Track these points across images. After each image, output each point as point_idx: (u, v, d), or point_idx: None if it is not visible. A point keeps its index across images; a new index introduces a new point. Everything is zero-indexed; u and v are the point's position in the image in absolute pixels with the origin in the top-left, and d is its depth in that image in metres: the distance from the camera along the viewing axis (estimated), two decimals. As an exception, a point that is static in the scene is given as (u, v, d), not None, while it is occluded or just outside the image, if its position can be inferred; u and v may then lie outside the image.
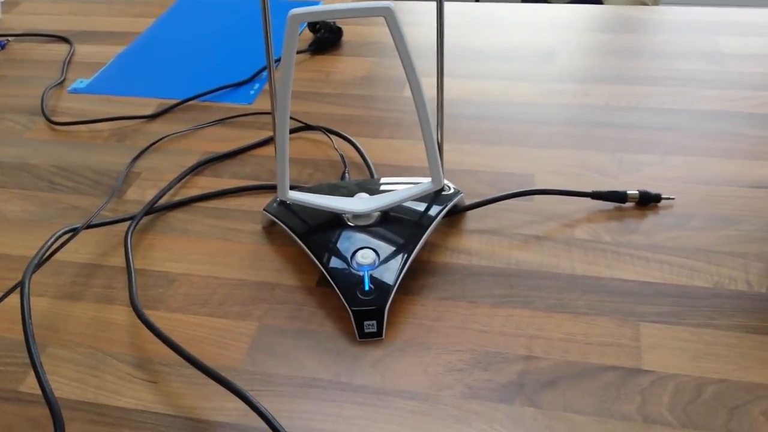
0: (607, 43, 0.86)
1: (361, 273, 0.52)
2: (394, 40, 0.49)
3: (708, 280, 0.53)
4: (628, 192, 0.60)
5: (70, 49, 0.91)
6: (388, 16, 0.48)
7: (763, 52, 0.82)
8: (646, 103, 0.74)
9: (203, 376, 0.47)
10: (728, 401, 0.45)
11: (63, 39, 0.95)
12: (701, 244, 0.56)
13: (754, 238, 0.57)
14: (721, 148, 0.67)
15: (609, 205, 0.61)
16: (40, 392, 0.46)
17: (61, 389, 0.48)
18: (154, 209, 0.63)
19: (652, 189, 0.61)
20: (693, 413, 0.44)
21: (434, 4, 0.99)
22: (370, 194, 0.57)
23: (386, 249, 0.54)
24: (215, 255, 0.58)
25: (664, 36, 0.87)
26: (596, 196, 0.60)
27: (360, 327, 0.50)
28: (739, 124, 0.70)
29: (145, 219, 0.62)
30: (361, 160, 0.68)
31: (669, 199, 0.60)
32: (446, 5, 0.97)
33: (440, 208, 0.57)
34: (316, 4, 1.02)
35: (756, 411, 0.44)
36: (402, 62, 0.50)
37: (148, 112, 0.78)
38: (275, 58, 0.81)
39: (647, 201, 0.60)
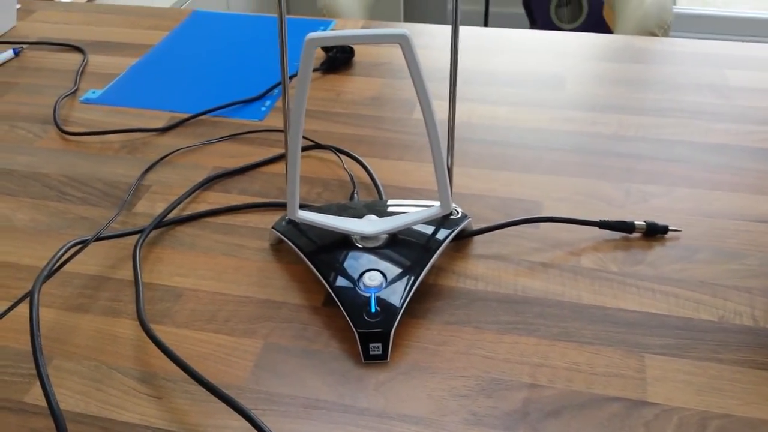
0: (616, 72, 0.87)
1: (367, 295, 0.52)
2: (408, 66, 0.50)
3: (713, 313, 0.54)
4: (636, 222, 0.60)
5: (84, 58, 0.92)
6: (404, 43, 0.49)
7: (770, 86, 0.83)
8: (654, 133, 0.75)
9: (207, 393, 0.47)
10: (732, 437, 0.45)
11: (77, 48, 0.95)
12: (707, 277, 0.57)
13: (759, 272, 0.57)
14: (727, 181, 0.67)
15: (616, 234, 0.61)
16: (44, 404, 0.46)
17: (65, 401, 0.48)
18: (163, 223, 0.63)
19: (658, 220, 0.62)
20: (696, 448, 0.44)
21: (446, 27, 1.00)
22: (379, 216, 0.58)
23: (393, 271, 0.54)
24: (222, 271, 0.59)
25: (673, 67, 0.87)
26: (603, 225, 0.60)
27: (365, 349, 0.51)
28: (745, 158, 0.71)
29: (154, 232, 0.63)
30: (369, 181, 0.68)
31: (676, 230, 0.61)
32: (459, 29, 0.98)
33: (448, 232, 0.57)
34: (329, 23, 1.03)
35: (759, 448, 0.44)
36: (415, 88, 0.51)
37: (160, 125, 0.78)
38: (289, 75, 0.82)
39: (654, 232, 0.60)
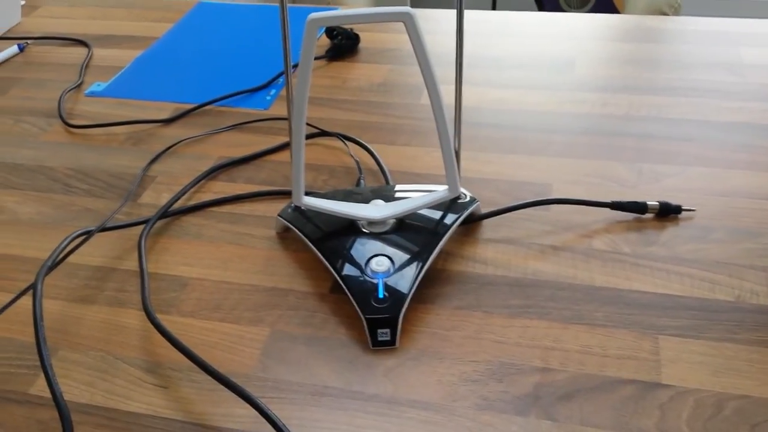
0: (626, 53, 0.85)
1: (375, 280, 0.51)
2: (413, 45, 0.49)
3: (729, 293, 0.52)
4: (649, 203, 0.59)
5: (89, 52, 0.92)
6: (408, 21, 0.48)
7: (785, 63, 0.81)
8: (666, 113, 0.73)
9: (214, 381, 0.47)
10: (750, 418, 0.44)
11: (81, 42, 0.95)
12: (722, 256, 0.55)
13: (776, 251, 0.56)
14: (742, 160, 0.66)
15: (628, 215, 0.60)
16: (50, 395, 0.46)
17: (70, 392, 0.48)
18: (168, 213, 0.62)
19: (672, 200, 0.60)
20: (713, 429, 0.43)
21: (452, 12, 0.99)
22: (386, 201, 0.57)
23: (401, 257, 0.53)
24: (228, 260, 0.58)
25: (684, 46, 0.86)
26: (615, 206, 0.59)
27: (373, 335, 0.50)
28: (759, 136, 0.69)
29: (159, 223, 0.62)
30: (376, 167, 0.67)
31: (690, 210, 0.59)
32: (465, 13, 0.97)
33: (456, 216, 0.56)
34: (334, 10, 1.02)
35: (779, 429, 0.43)
36: (420, 67, 0.50)
37: (164, 116, 0.78)
38: (293, 63, 0.81)
39: (667, 212, 0.59)
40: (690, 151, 0.67)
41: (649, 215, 0.59)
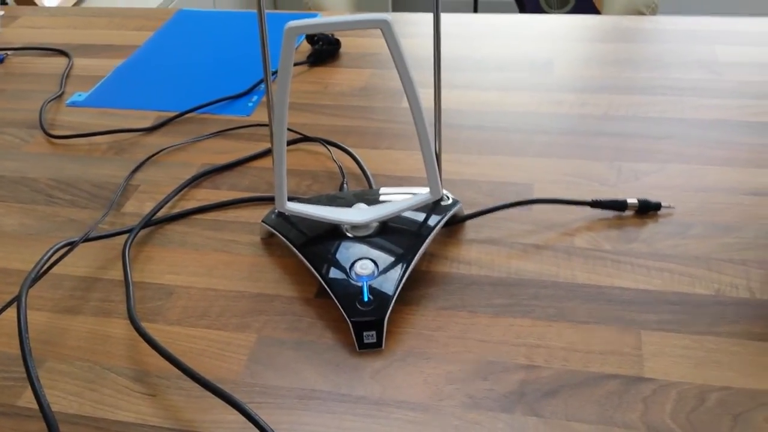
0: (604, 53, 0.86)
1: (360, 284, 0.52)
2: (390, 51, 0.49)
3: (709, 287, 0.53)
4: (628, 200, 0.60)
5: (69, 62, 0.91)
6: (385, 28, 0.48)
7: (760, 60, 0.82)
8: (644, 112, 0.74)
9: (202, 388, 0.47)
10: (732, 408, 0.45)
11: (62, 52, 0.95)
12: (702, 251, 0.56)
13: (754, 245, 0.56)
14: (720, 156, 0.67)
15: (608, 213, 0.60)
16: (37, 407, 0.46)
17: (59, 403, 0.48)
18: (152, 222, 0.62)
19: (651, 197, 0.61)
20: (696, 421, 0.44)
21: (431, 15, 0.99)
22: (369, 205, 0.57)
23: (385, 259, 0.53)
24: (213, 267, 0.58)
25: (662, 45, 0.87)
26: (596, 204, 0.60)
27: (359, 338, 0.50)
28: (737, 133, 0.70)
29: (143, 232, 0.62)
30: (359, 171, 0.68)
31: (669, 207, 0.60)
32: (445, 17, 0.98)
33: (439, 218, 0.57)
34: (315, 16, 1.02)
35: (760, 418, 0.44)
36: (399, 73, 0.50)
37: (147, 124, 0.78)
38: (272, 70, 0.81)
39: (647, 209, 0.60)
40: (668, 149, 0.68)
41: (628, 213, 0.60)
